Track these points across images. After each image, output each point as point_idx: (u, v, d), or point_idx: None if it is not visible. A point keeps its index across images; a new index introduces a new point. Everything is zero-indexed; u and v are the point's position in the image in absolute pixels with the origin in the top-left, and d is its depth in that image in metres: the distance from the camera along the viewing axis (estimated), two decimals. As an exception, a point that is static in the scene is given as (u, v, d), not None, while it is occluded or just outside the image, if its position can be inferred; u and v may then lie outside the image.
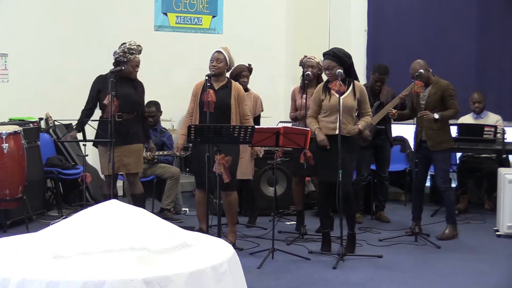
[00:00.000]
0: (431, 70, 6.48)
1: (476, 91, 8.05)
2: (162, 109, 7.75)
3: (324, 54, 5.82)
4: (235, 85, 6.14)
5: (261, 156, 6.69)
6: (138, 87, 6.29)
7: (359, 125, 5.82)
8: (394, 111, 6.66)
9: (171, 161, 7.59)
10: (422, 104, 6.43)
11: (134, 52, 6.13)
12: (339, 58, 5.71)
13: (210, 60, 6.00)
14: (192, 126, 5.41)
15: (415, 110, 6.49)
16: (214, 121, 5.63)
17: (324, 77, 6.39)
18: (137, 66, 6.20)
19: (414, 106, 6.55)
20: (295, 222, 6.94)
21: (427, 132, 6.40)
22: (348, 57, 5.80)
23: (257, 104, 7.03)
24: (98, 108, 6.29)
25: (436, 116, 6.31)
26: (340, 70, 5.62)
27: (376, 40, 9.16)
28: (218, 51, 6.00)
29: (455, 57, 8.73)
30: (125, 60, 6.11)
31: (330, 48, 6.04)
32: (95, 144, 6.34)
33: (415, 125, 6.49)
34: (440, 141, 6.42)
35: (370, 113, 6.00)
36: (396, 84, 7.45)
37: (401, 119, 6.86)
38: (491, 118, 7.96)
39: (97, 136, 6.19)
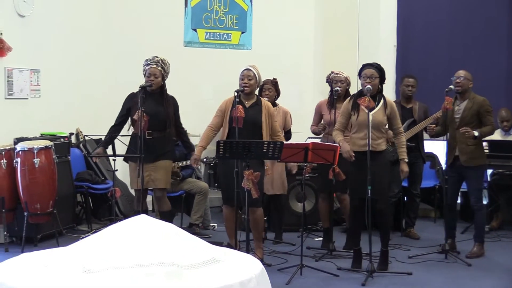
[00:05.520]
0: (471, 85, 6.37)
1: (504, 108, 7.92)
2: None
3: (366, 65, 5.79)
4: (265, 102, 6.16)
5: (293, 172, 6.75)
6: (169, 103, 6.27)
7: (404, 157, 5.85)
8: (432, 126, 6.57)
9: (190, 173, 7.54)
10: (457, 119, 6.29)
11: (149, 63, 6.18)
12: (381, 71, 5.76)
13: (241, 78, 6.00)
14: (221, 142, 5.43)
15: (447, 126, 6.40)
16: (245, 138, 5.61)
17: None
18: (151, 75, 6.13)
19: (445, 122, 6.44)
20: (321, 239, 6.88)
21: (460, 147, 6.26)
22: (385, 72, 5.84)
23: (287, 118, 7.03)
24: (131, 125, 6.32)
25: (476, 133, 6.17)
26: (369, 86, 5.61)
27: (405, 56, 9.11)
28: (248, 69, 6.01)
29: (484, 73, 8.60)
30: (144, 73, 6.20)
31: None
32: (125, 159, 6.39)
33: (446, 141, 6.39)
34: (474, 156, 6.28)
35: (402, 130, 5.95)
36: (426, 99, 7.40)
37: (434, 135, 6.74)
38: (520, 134, 7.84)
39: (127, 151, 6.23)
